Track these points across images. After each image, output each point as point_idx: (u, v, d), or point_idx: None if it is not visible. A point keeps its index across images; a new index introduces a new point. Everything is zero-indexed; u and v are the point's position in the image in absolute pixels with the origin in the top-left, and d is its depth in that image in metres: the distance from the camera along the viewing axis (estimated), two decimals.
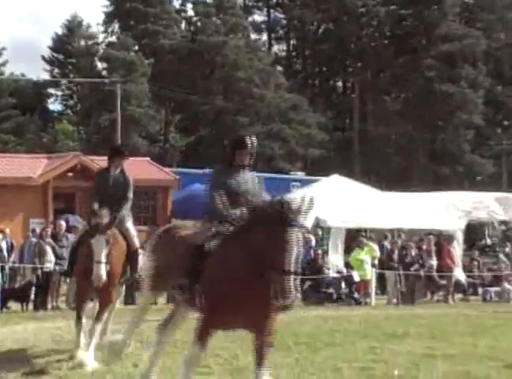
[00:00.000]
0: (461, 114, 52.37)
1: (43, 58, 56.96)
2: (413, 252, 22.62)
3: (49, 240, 19.21)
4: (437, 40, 54.08)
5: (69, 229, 20.30)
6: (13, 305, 18.59)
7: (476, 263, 24.74)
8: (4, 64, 54.44)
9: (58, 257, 19.13)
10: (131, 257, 10.76)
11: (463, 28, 54.71)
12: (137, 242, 10.94)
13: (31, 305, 18.49)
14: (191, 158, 48.16)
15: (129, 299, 19.11)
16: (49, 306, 18.70)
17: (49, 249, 18.97)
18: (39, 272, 18.75)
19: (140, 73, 49.82)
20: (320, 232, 23.88)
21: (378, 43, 57.13)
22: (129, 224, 11.01)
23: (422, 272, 22.44)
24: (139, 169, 27.45)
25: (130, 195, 10.90)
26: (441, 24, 53.99)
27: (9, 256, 19.34)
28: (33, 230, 20.24)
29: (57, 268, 18.99)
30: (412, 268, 22.25)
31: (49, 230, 19.73)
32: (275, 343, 11.52)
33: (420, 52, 53.69)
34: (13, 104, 52.78)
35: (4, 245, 19.31)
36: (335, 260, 23.30)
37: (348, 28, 56.50)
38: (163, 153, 49.88)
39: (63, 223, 20.35)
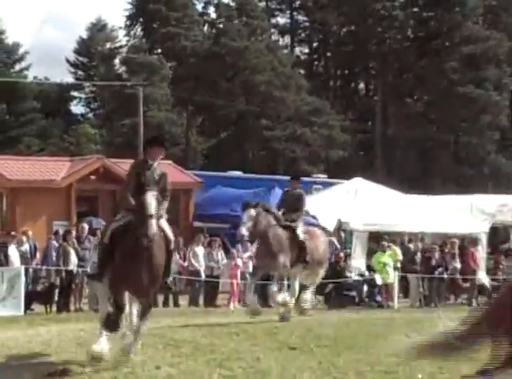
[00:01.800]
0: (486, 116, 52.08)
1: (67, 60, 57.35)
2: (437, 255, 22.51)
3: (72, 242, 19.30)
4: (459, 42, 53.88)
5: (92, 231, 20.39)
6: (37, 307, 18.71)
7: (500, 266, 24.57)
8: (27, 68, 54.83)
9: (80, 259, 19.22)
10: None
11: (485, 30, 54.43)
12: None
13: (54, 307, 18.59)
14: (213, 161, 48.23)
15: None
16: (72, 308, 18.80)
17: (72, 252, 19.07)
18: (63, 274, 18.83)
19: (161, 76, 49.96)
20: (343, 235, 23.83)
21: (400, 46, 56.96)
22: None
23: (445, 275, 22.33)
24: None
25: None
26: (463, 26, 53.77)
27: (32, 258, 19.44)
28: (56, 233, 20.33)
29: (80, 270, 19.08)
30: (436, 271, 22.15)
31: (72, 233, 19.82)
32: (298, 346, 11.57)
33: (443, 54, 53.48)
34: (36, 108, 53.12)
35: (27, 248, 19.42)
36: (357, 264, 23.24)
37: (370, 30, 56.40)
38: (185, 156, 49.97)
39: (86, 226, 20.45)
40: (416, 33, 57.41)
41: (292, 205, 15.25)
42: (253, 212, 14.25)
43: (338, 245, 22.83)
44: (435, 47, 54.32)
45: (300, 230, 14.98)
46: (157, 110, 49.19)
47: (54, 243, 19.40)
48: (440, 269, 22.28)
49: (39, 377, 9.27)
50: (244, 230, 14.11)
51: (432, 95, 54.16)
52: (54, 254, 19.06)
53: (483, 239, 25.31)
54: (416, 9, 57.30)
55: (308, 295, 15.48)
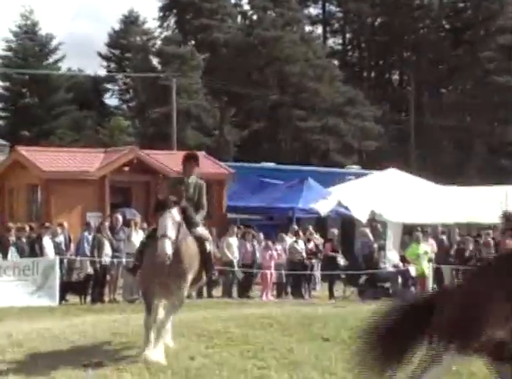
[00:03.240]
0: None
1: (100, 54, 57.63)
2: (471, 246, 22.32)
3: (107, 233, 19.41)
4: (495, 32, 53.33)
5: (126, 222, 20.48)
6: (71, 298, 18.85)
7: None
8: (61, 59, 55.13)
9: (114, 250, 19.33)
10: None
11: None
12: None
13: (88, 298, 18.72)
14: (246, 152, 48.21)
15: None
16: (106, 299, 18.91)
17: (107, 243, 19.17)
18: (97, 265, 18.95)
19: (193, 67, 50.01)
20: (379, 226, 23.73)
21: (435, 36, 56.52)
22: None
23: None
24: None
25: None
26: (499, 16, 53.20)
27: (67, 249, 19.59)
28: (87, 224, 20.42)
29: (114, 260, 19.19)
30: (470, 262, 21.95)
31: (106, 224, 19.92)
32: (331, 338, 11.52)
33: (478, 44, 52.98)
34: (70, 99, 53.45)
35: (62, 239, 19.57)
36: (392, 255, 23.14)
37: (404, 20, 56.00)
38: (218, 147, 50.02)
39: (120, 217, 20.54)
40: (450, 23, 56.93)
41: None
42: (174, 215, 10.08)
43: (371, 237, 22.73)
44: (470, 37, 53.83)
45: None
46: (190, 100, 49.26)
47: (87, 234, 19.52)
48: (473, 261, 22.08)
49: (74, 367, 9.31)
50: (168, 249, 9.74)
51: (467, 84, 53.70)
52: (86, 246, 19.18)
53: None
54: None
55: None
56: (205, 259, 10.55)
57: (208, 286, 20.19)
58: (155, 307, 10.24)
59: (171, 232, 9.71)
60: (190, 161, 10.99)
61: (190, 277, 10.19)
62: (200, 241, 10.47)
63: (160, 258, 9.62)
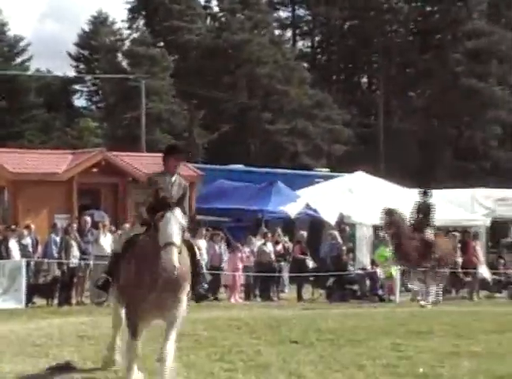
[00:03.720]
0: (488, 111, 52.01)
1: (69, 54, 57.26)
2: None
3: (75, 235, 19.31)
4: (463, 37, 53.79)
5: (95, 225, 20.39)
6: (38, 301, 18.73)
7: (501, 260, 24.57)
8: (29, 60, 54.71)
9: (82, 252, 19.24)
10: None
11: (489, 25, 54.31)
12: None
13: (56, 301, 18.61)
14: (215, 154, 48.18)
15: None
16: (73, 302, 18.82)
17: (74, 245, 19.08)
18: (65, 267, 18.85)
19: (162, 69, 49.89)
20: (347, 229, 23.83)
21: (403, 39, 56.92)
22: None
23: (446, 270, 22.31)
24: None
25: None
26: (467, 21, 53.70)
27: (34, 252, 19.45)
28: (54, 226, 20.29)
29: (82, 263, 19.09)
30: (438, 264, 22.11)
31: (75, 226, 19.82)
32: (299, 340, 11.58)
33: (446, 48, 53.42)
34: (38, 101, 53.05)
35: (29, 241, 19.43)
36: (362, 258, 23.25)
37: (373, 24, 56.31)
38: (187, 149, 49.91)
39: (89, 219, 20.45)
40: (419, 27, 57.33)
41: None
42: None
43: (340, 239, 22.82)
44: (438, 41, 54.26)
45: None
46: (159, 102, 49.15)
47: (54, 237, 19.40)
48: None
49: (40, 370, 9.26)
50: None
51: (435, 89, 54.10)
52: (53, 248, 19.07)
53: (484, 233, 25.32)
54: (419, 3, 57.28)
55: None
56: (196, 269, 8.91)
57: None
58: (141, 330, 8.77)
59: (177, 238, 8.08)
60: (173, 155, 9.18)
61: (188, 289, 8.70)
62: (190, 248, 8.86)
63: (168, 271, 7.99)
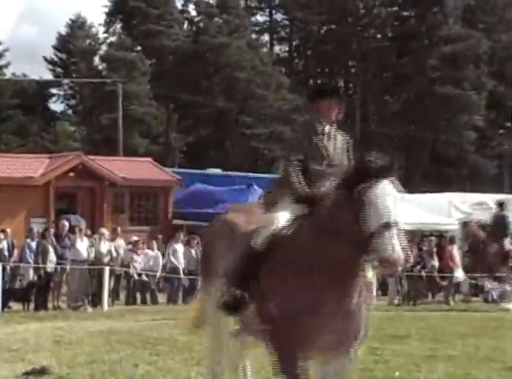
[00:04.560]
0: (464, 116, 52.36)
1: (45, 58, 57.01)
2: (414, 253, 22.58)
3: (51, 240, 19.22)
4: (439, 42, 54.13)
5: (71, 229, 20.30)
6: (14, 305, 18.62)
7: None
8: (6, 66, 54.44)
9: (59, 257, 19.14)
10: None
11: (465, 30, 54.70)
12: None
13: (32, 305, 18.51)
14: (192, 158, 48.16)
15: None
16: (50, 306, 18.72)
17: (51, 249, 18.99)
18: (41, 271, 18.75)
19: (140, 73, 49.85)
20: None
21: (380, 44, 57.18)
22: None
23: (423, 273, 22.43)
24: (141, 169, 27.47)
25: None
26: (443, 26, 54.04)
27: (10, 256, 19.34)
28: (30, 230, 20.20)
29: (58, 267, 19.01)
30: (415, 269, 22.22)
31: (52, 230, 19.73)
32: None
33: (423, 53, 53.72)
34: (14, 104, 52.75)
35: (5, 245, 19.32)
36: None
37: (350, 28, 56.54)
38: (164, 153, 49.86)
39: (66, 223, 20.36)
40: (395, 32, 57.62)
41: None
42: None
43: None
44: (415, 46, 54.54)
45: None
46: (138, 106, 49.05)
47: (30, 241, 19.31)
48: (418, 267, 22.37)
49: (16, 375, 9.21)
50: None
51: (411, 93, 54.39)
52: (27, 252, 18.98)
53: (460, 237, 25.44)
54: (395, 8, 57.57)
55: None
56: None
57: (152, 293, 20.19)
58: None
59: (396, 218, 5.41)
60: (329, 100, 6.67)
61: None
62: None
63: (395, 268, 5.36)
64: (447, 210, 26.94)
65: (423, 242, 23.67)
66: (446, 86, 51.63)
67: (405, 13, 56.48)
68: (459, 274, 23.17)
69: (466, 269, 22.53)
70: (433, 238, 23.92)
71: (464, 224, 21.14)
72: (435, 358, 10.88)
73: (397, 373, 9.57)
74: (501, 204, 20.78)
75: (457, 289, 23.16)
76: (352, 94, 61.24)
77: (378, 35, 58.01)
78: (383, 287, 23.10)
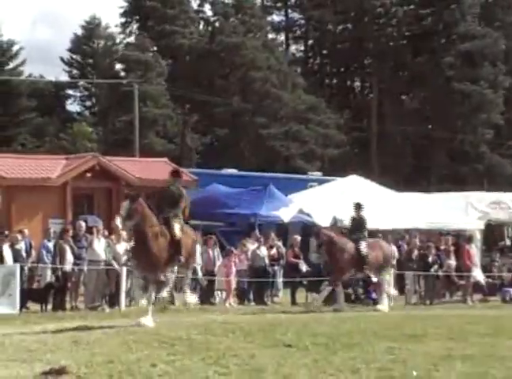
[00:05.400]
0: (481, 114, 52.14)
1: (62, 59, 57.25)
2: (433, 252, 22.52)
3: (68, 240, 19.28)
4: (456, 40, 53.93)
5: (88, 229, 20.35)
6: (32, 306, 18.69)
7: (495, 264, 24.62)
8: (22, 64, 54.66)
9: (76, 257, 19.20)
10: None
11: (482, 28, 54.47)
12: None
13: (50, 306, 18.57)
14: (208, 158, 48.20)
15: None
16: (68, 306, 18.79)
17: (68, 250, 19.05)
18: (59, 272, 18.81)
19: (156, 74, 49.96)
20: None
21: (396, 43, 57.02)
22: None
23: (440, 273, 22.36)
24: (157, 170, 27.50)
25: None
26: (460, 24, 53.82)
27: (27, 256, 19.42)
28: (47, 231, 20.26)
29: (76, 268, 19.07)
30: (432, 268, 22.16)
31: (69, 231, 19.78)
32: (293, 344, 11.58)
33: (439, 52, 53.53)
34: (31, 106, 53.01)
35: (23, 246, 19.39)
36: None
37: (366, 27, 56.42)
38: (181, 154, 49.95)
39: (83, 224, 20.40)
40: (412, 30, 57.43)
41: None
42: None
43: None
44: (432, 45, 54.33)
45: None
46: (153, 107, 49.16)
47: (47, 242, 19.38)
48: (435, 266, 22.31)
49: (35, 376, 9.25)
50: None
51: (428, 92, 54.21)
52: (44, 253, 19.06)
53: (478, 236, 25.35)
54: (412, 7, 57.39)
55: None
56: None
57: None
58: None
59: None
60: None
61: None
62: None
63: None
64: (464, 209, 26.86)
65: (441, 241, 23.58)
66: (463, 84, 51.43)
67: (422, 12, 56.26)
68: (477, 273, 23.10)
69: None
70: (450, 237, 23.84)
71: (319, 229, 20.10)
72: (453, 357, 10.85)
73: (414, 373, 9.55)
74: (359, 206, 19.84)
75: (475, 288, 23.07)
76: (367, 93, 61.12)
77: (394, 34, 57.81)
78: (400, 287, 23.03)
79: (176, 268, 15.14)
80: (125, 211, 13.92)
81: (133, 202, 14.01)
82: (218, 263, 21.27)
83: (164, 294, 15.82)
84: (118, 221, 14.40)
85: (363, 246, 19.15)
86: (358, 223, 19.58)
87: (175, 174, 15.56)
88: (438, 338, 12.91)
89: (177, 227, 14.52)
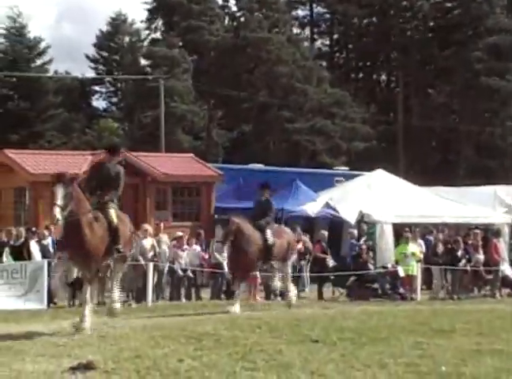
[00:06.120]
0: (509, 108, 51.70)
1: (87, 56, 57.53)
2: (461, 246, 22.37)
3: None
4: (483, 33, 53.48)
5: None
6: (60, 301, 18.80)
7: None
8: (49, 62, 55.01)
9: None
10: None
11: (510, 21, 53.96)
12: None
13: (77, 301, 18.65)
14: (234, 153, 48.23)
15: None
16: (95, 302, 18.84)
17: None
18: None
19: (182, 69, 50.05)
20: (365, 227, 23.76)
21: (422, 36, 56.68)
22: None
23: (468, 267, 22.21)
24: (183, 165, 27.54)
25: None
26: (488, 17, 53.37)
27: (54, 252, 19.52)
28: None
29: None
30: (460, 262, 22.02)
31: None
32: (320, 339, 11.55)
33: (466, 45, 53.12)
34: (58, 102, 53.32)
35: (50, 242, 19.51)
36: (382, 256, 23.19)
37: (392, 21, 56.14)
38: (207, 149, 50.03)
39: None
40: (438, 23, 57.07)
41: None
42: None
43: (356, 237, 22.74)
44: (458, 38, 53.93)
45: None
46: (179, 102, 49.25)
47: None
48: (463, 261, 22.16)
49: (63, 370, 9.30)
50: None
51: (455, 85, 53.84)
52: None
53: (507, 230, 25.16)
54: (438, 0, 57.05)
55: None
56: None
57: (197, 288, 20.28)
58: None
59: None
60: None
61: None
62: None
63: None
64: (492, 203, 26.66)
65: (469, 235, 23.41)
66: (492, 78, 51.00)
67: (449, 5, 55.87)
68: (505, 267, 22.92)
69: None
70: (478, 231, 23.67)
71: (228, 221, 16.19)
72: (481, 352, 10.76)
73: (443, 368, 9.48)
74: (264, 187, 16.89)
75: (503, 283, 22.89)
76: (393, 87, 60.84)
77: (421, 27, 57.48)
78: (428, 282, 22.93)
79: (112, 261, 13.14)
80: (61, 199, 11.75)
81: (66, 186, 11.91)
82: None
83: (115, 295, 13.51)
84: (57, 211, 11.70)
85: (270, 234, 16.33)
86: (264, 207, 16.63)
87: (112, 151, 13.46)
88: (466, 333, 12.81)
89: (113, 213, 12.66)
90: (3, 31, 53.54)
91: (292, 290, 17.19)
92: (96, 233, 12.17)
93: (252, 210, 16.84)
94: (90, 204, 12.44)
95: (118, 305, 13.54)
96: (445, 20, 56.04)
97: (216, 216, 26.21)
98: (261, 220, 16.33)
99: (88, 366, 9.41)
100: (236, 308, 15.58)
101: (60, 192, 11.74)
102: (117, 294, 13.49)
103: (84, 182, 12.74)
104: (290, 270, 17.69)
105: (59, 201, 11.68)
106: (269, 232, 16.33)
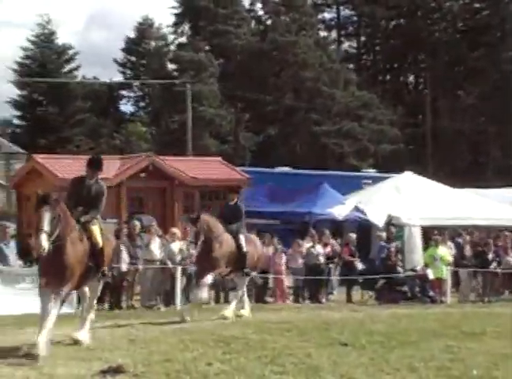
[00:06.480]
0: None
1: (115, 60, 57.85)
2: (492, 249, 22.19)
3: (124, 240, 19.42)
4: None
5: (143, 229, 20.48)
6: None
7: None
8: (77, 68, 55.47)
9: (132, 256, 19.33)
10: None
11: None
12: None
13: (106, 305, 18.74)
14: (261, 157, 48.23)
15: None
16: (124, 305, 18.93)
17: (124, 249, 19.18)
18: (115, 271, 18.95)
19: (209, 73, 50.16)
20: (393, 230, 23.63)
21: (451, 38, 56.37)
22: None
23: (499, 270, 22.01)
24: (211, 169, 27.55)
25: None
26: None
27: None
28: None
29: (131, 267, 19.20)
30: (492, 265, 21.83)
31: (125, 230, 19.93)
32: (349, 342, 11.50)
33: (496, 46, 52.75)
34: (86, 107, 53.70)
35: None
36: (411, 258, 23.06)
37: (419, 23, 55.89)
38: (234, 153, 50.08)
39: (138, 224, 20.53)
40: (467, 25, 56.73)
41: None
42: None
43: (384, 240, 22.63)
44: (487, 39, 53.58)
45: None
46: (206, 106, 49.37)
47: None
48: (494, 264, 21.97)
49: (93, 374, 9.33)
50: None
51: (484, 87, 53.46)
52: None
53: None
54: (467, 1, 56.75)
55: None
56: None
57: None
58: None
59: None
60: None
61: None
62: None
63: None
64: None
65: (499, 237, 23.20)
66: None
67: (477, 5, 55.53)
68: None
69: None
70: (508, 233, 23.44)
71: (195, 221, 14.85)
72: None
73: (474, 372, 9.40)
74: (233, 190, 16.17)
75: None
76: (421, 89, 60.55)
77: (449, 29, 57.19)
78: (457, 284, 22.75)
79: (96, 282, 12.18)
80: (47, 224, 10.46)
81: (53, 209, 10.59)
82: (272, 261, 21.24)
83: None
84: (43, 238, 10.37)
85: (243, 241, 15.33)
86: (233, 212, 15.54)
87: (94, 164, 11.96)
88: (497, 336, 12.70)
89: (98, 234, 11.57)
90: (33, 38, 54.09)
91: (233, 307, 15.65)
92: (77, 252, 11.06)
93: (221, 214, 15.69)
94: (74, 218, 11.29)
95: (84, 337, 11.84)
96: (474, 21, 55.73)
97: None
98: (231, 225, 15.26)
99: (118, 370, 9.44)
100: (229, 312, 15.07)
101: (47, 216, 10.41)
102: (87, 325, 12.16)
103: (64, 199, 11.31)
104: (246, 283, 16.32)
105: (46, 227, 10.36)
106: (242, 239, 15.33)
